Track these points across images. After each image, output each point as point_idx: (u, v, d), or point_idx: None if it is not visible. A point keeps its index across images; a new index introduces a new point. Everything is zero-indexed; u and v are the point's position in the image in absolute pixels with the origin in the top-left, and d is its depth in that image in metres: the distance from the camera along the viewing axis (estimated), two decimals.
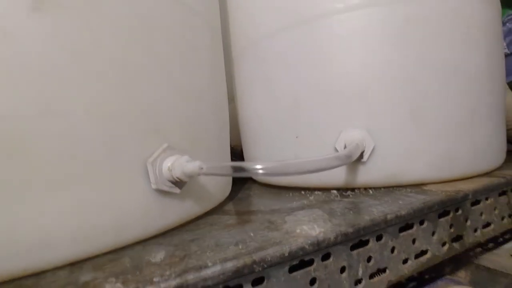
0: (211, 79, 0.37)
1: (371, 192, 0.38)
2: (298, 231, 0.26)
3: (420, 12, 0.37)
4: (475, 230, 0.36)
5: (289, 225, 0.28)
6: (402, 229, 0.30)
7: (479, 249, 0.52)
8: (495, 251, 0.51)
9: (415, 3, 0.37)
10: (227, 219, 0.32)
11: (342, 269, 0.26)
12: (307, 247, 0.24)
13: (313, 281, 0.25)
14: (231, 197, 0.43)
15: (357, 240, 0.27)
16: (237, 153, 0.60)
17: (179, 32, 0.31)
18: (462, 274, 0.50)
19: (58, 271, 0.22)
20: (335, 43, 0.39)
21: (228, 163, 0.26)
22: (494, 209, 0.38)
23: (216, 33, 0.41)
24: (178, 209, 0.30)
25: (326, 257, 0.25)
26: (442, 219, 0.33)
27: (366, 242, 0.28)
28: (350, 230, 0.26)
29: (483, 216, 0.37)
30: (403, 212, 0.30)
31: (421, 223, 0.31)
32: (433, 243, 0.32)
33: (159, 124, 0.28)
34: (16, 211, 0.21)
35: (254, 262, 0.22)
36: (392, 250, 0.29)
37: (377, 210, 0.30)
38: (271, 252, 0.23)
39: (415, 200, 0.32)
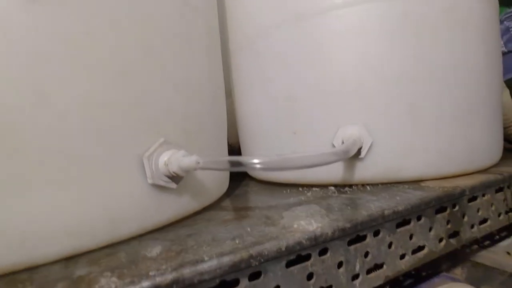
0: (208, 74, 0.37)
1: (368, 188, 0.38)
2: (295, 226, 0.26)
3: (418, 8, 0.37)
4: (472, 226, 0.36)
5: (286, 220, 0.28)
6: (399, 225, 0.30)
7: (475, 247, 0.52)
8: (491, 249, 0.51)
9: None
10: (224, 215, 0.32)
11: (340, 264, 0.26)
12: (304, 242, 0.24)
13: (310, 276, 0.25)
14: (228, 194, 0.43)
15: (354, 235, 0.27)
16: (235, 151, 0.60)
17: (174, 27, 0.31)
18: (458, 271, 0.51)
19: (52, 265, 0.22)
20: (333, 39, 0.39)
21: (225, 157, 0.26)
22: (491, 206, 0.39)
23: (213, 28, 0.40)
24: (175, 204, 0.30)
25: (323, 252, 0.25)
26: (439, 215, 0.33)
27: (363, 237, 0.28)
28: (348, 225, 0.26)
29: (480, 212, 0.37)
30: (400, 208, 0.30)
31: (419, 218, 0.31)
32: (430, 238, 0.32)
33: (155, 119, 0.28)
34: (9, 204, 0.21)
35: (251, 256, 0.22)
36: (390, 245, 0.29)
37: (374, 205, 0.30)
38: (268, 247, 0.23)
39: (413, 196, 0.32)
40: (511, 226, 0.47)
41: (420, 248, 0.32)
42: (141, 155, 0.27)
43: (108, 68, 0.25)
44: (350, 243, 0.27)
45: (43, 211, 0.22)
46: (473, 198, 0.37)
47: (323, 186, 0.41)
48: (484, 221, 0.38)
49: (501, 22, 0.68)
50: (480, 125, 0.41)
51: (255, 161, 0.25)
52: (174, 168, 0.27)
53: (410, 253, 0.31)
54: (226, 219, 0.30)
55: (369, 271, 0.28)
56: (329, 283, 0.25)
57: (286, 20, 0.41)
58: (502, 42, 0.67)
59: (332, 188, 0.40)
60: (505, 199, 0.40)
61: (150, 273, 0.19)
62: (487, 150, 0.43)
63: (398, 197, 0.32)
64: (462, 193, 0.35)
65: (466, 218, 0.36)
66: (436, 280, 0.42)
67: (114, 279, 0.19)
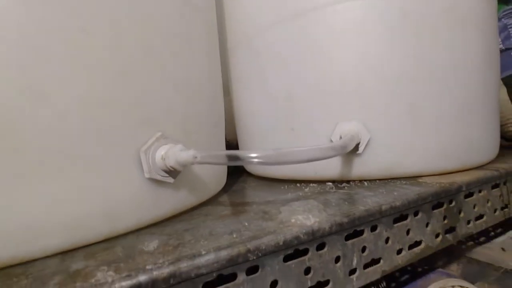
0: (207, 73, 0.36)
1: (366, 184, 0.38)
2: (293, 221, 0.26)
3: (418, 7, 0.37)
4: (468, 222, 0.37)
5: (284, 215, 0.28)
6: (396, 220, 0.30)
7: (471, 243, 0.53)
8: (487, 245, 0.52)
9: None
10: (222, 210, 0.32)
11: (337, 259, 0.26)
12: (302, 236, 0.24)
13: (307, 271, 0.25)
14: (225, 189, 0.43)
15: (351, 230, 0.27)
16: (232, 147, 0.60)
17: (174, 26, 0.31)
18: (454, 267, 0.51)
19: (48, 259, 0.22)
20: (332, 39, 0.38)
21: (223, 151, 0.25)
22: (487, 202, 0.39)
23: (212, 27, 0.40)
24: (172, 199, 0.30)
25: (320, 246, 0.25)
26: (436, 211, 0.33)
27: (360, 232, 0.28)
28: (345, 220, 0.26)
29: (476, 208, 0.37)
30: (397, 203, 0.30)
31: (416, 214, 0.32)
32: (427, 234, 0.32)
33: (152, 114, 0.28)
34: (5, 198, 0.20)
35: (249, 250, 0.22)
36: (387, 240, 0.29)
37: (372, 201, 0.30)
38: (266, 241, 0.23)
39: (410, 192, 0.32)
40: (506, 223, 0.48)
41: (417, 243, 0.32)
42: (138, 149, 0.26)
43: (108, 68, 0.25)
44: (348, 238, 0.27)
45: (40, 205, 0.22)
46: (469, 194, 0.37)
47: (321, 182, 0.41)
48: (480, 217, 0.38)
49: (499, 19, 0.68)
50: (477, 123, 0.41)
51: (253, 155, 0.25)
52: (171, 163, 0.26)
53: (407, 248, 0.31)
54: (223, 214, 0.30)
55: (366, 266, 0.28)
56: (326, 278, 0.25)
57: (285, 19, 0.41)
58: (500, 40, 0.67)
59: (330, 183, 0.40)
60: (501, 195, 0.41)
61: (147, 267, 0.19)
62: (484, 147, 0.43)
63: (396, 192, 0.32)
64: (459, 189, 0.35)
65: (462, 214, 0.36)
66: (432, 275, 0.42)
67: (110, 272, 0.19)
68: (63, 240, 0.23)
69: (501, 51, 0.67)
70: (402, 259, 0.30)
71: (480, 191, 0.38)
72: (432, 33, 0.37)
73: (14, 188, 0.21)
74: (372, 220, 0.28)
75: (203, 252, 0.21)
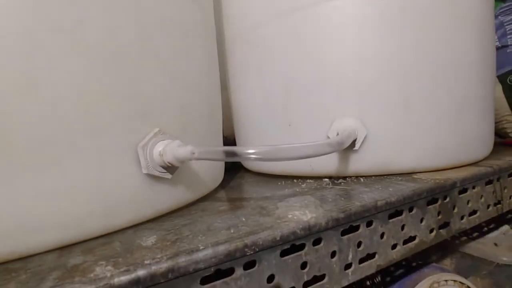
0: (203, 64, 0.36)
1: (362, 180, 0.38)
2: (289, 216, 0.26)
3: (415, 2, 0.37)
4: (462, 218, 0.37)
5: (281, 210, 0.28)
6: (391, 216, 0.31)
7: (464, 238, 0.54)
8: (480, 240, 0.53)
9: None
10: (219, 205, 0.32)
11: (333, 254, 0.27)
12: (298, 231, 0.24)
13: (304, 265, 0.25)
14: (223, 185, 0.43)
15: (347, 226, 0.27)
16: (230, 143, 0.60)
17: (171, 16, 0.30)
18: (447, 262, 0.52)
19: (46, 254, 0.22)
20: (329, 31, 0.38)
21: (220, 147, 0.26)
22: (481, 197, 0.39)
23: (209, 19, 0.40)
24: (170, 194, 0.30)
25: (317, 241, 0.26)
26: (430, 206, 0.34)
27: (356, 228, 0.28)
28: (341, 215, 0.27)
29: (470, 204, 0.38)
30: (393, 199, 0.30)
31: (410, 210, 0.32)
32: (421, 229, 0.33)
33: (149, 108, 0.28)
34: (2, 194, 0.20)
35: (246, 246, 0.22)
36: (382, 235, 0.30)
37: (367, 196, 0.30)
38: (263, 236, 0.23)
39: (405, 188, 0.32)
40: (499, 218, 0.49)
41: (412, 238, 0.32)
42: (135, 145, 0.26)
43: (103, 60, 0.24)
44: (343, 233, 0.27)
45: (37, 200, 0.22)
46: (463, 190, 0.37)
47: (318, 178, 0.41)
48: (473, 212, 0.39)
49: (496, 17, 0.68)
50: (473, 120, 0.41)
51: (250, 151, 0.25)
52: (169, 158, 0.27)
53: (401, 243, 0.31)
54: (221, 209, 0.30)
55: (361, 261, 0.28)
56: (322, 272, 0.26)
57: (283, 13, 0.41)
58: (496, 37, 0.68)
59: (327, 179, 0.40)
60: (494, 191, 0.41)
61: (146, 262, 0.19)
62: (479, 144, 0.43)
63: (391, 188, 0.33)
64: (453, 185, 0.35)
65: (456, 210, 0.36)
66: (426, 270, 0.42)
67: (109, 267, 0.19)
68: (61, 236, 0.23)
69: (497, 48, 0.67)
70: (396, 254, 0.31)
71: (474, 187, 0.38)
72: (429, 29, 0.37)
73: (9, 183, 0.21)
74: (368, 216, 0.28)
75: (201, 247, 0.21)
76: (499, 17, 0.68)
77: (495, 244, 0.51)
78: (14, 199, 0.21)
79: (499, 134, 0.71)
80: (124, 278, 0.18)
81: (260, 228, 0.24)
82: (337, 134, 0.37)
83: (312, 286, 0.25)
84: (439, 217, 0.35)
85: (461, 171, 0.39)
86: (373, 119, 0.38)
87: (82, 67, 0.23)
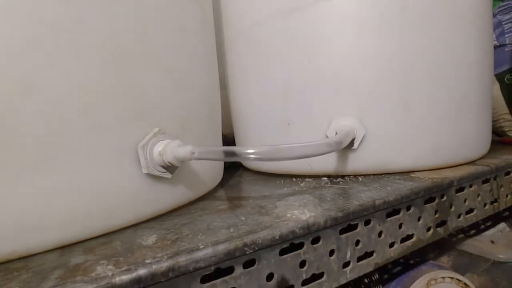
0: (203, 64, 0.36)
1: (360, 179, 0.38)
2: (288, 215, 0.26)
3: (415, 1, 0.37)
4: (459, 216, 0.38)
5: (280, 209, 0.28)
6: (389, 214, 0.31)
7: (461, 236, 0.54)
8: (477, 238, 0.53)
9: None
10: (219, 204, 0.32)
11: (331, 252, 0.27)
12: (297, 230, 0.25)
13: (303, 264, 0.25)
14: (222, 184, 0.43)
15: (346, 224, 0.28)
16: (229, 141, 0.60)
17: (169, 15, 0.30)
18: (445, 259, 0.52)
19: (47, 254, 0.22)
20: (328, 30, 0.39)
21: (220, 147, 0.26)
22: (477, 196, 0.40)
23: (208, 18, 0.40)
24: (170, 194, 0.30)
25: (315, 240, 0.26)
26: (428, 205, 0.34)
27: (354, 226, 0.28)
28: (340, 214, 0.27)
29: (467, 203, 0.38)
30: (391, 198, 0.30)
31: (408, 208, 0.32)
32: (418, 227, 0.33)
33: (149, 108, 0.28)
34: (3, 194, 0.21)
35: (245, 245, 0.22)
36: (380, 234, 0.30)
37: (366, 195, 0.30)
38: (262, 235, 0.23)
39: (403, 187, 0.33)
40: (496, 216, 0.49)
41: (409, 236, 0.33)
42: (135, 144, 0.27)
43: (103, 60, 0.24)
44: (342, 231, 0.27)
45: (38, 200, 0.22)
46: (460, 189, 0.38)
47: (316, 177, 0.42)
48: (470, 211, 0.39)
49: (494, 15, 0.68)
50: (471, 119, 0.42)
51: (250, 151, 0.25)
52: (168, 158, 0.27)
53: (399, 241, 0.32)
54: (220, 208, 0.31)
55: (359, 259, 0.29)
56: (321, 270, 0.26)
57: (282, 12, 0.41)
58: (494, 36, 0.68)
59: (325, 178, 0.40)
60: (491, 190, 0.42)
61: (146, 261, 0.20)
62: (476, 143, 0.44)
63: (389, 187, 0.33)
64: (451, 184, 0.36)
65: (453, 208, 0.37)
66: (423, 267, 0.43)
67: (110, 267, 0.19)
68: (62, 235, 0.23)
69: (495, 47, 0.68)
70: (394, 252, 0.31)
71: (471, 186, 0.39)
72: (429, 28, 0.38)
73: (10, 183, 0.21)
74: (366, 215, 0.29)
75: (201, 246, 0.21)
76: (497, 16, 0.68)
77: (492, 242, 0.52)
78: (14, 199, 0.21)
79: (497, 132, 0.71)
80: (125, 277, 0.18)
81: (259, 227, 0.24)
82: (336, 133, 0.37)
83: (311, 284, 0.26)
84: (436, 215, 0.35)
85: (458, 170, 0.39)
86: (372, 118, 0.38)
87: (81, 67, 0.23)
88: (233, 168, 0.56)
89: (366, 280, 0.40)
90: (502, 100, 0.69)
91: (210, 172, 0.37)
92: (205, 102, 0.37)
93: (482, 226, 0.55)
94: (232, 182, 0.45)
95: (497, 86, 0.69)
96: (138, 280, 0.19)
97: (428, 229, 0.34)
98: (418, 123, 0.38)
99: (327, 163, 0.40)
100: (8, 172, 0.21)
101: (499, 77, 0.69)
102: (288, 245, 0.24)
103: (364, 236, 0.29)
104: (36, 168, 0.22)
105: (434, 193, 0.34)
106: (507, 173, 0.44)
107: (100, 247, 0.23)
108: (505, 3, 0.68)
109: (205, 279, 0.21)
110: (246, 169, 0.54)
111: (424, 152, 0.39)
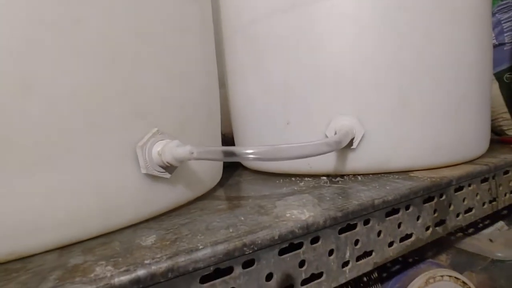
0: (201, 61, 0.36)
1: (359, 178, 0.39)
2: (288, 215, 0.26)
3: (414, 0, 0.37)
4: (457, 215, 0.38)
5: (279, 209, 0.28)
6: (388, 214, 0.31)
7: (460, 234, 0.54)
8: (475, 236, 0.54)
9: None
10: (218, 204, 0.32)
11: (330, 252, 0.27)
12: (296, 230, 0.25)
13: (302, 263, 0.25)
14: (221, 183, 0.43)
15: (345, 224, 0.28)
16: (228, 141, 0.60)
17: (167, 14, 0.30)
18: (443, 258, 0.53)
19: (46, 255, 0.22)
20: (327, 27, 0.38)
21: (219, 147, 0.26)
22: (476, 195, 0.40)
23: (207, 16, 0.40)
24: (169, 194, 0.30)
25: (315, 240, 0.26)
26: (426, 204, 0.34)
27: (354, 226, 0.28)
28: (339, 214, 0.27)
29: (466, 202, 0.39)
30: (390, 198, 0.30)
31: (407, 208, 0.32)
32: (417, 227, 0.33)
33: (147, 108, 0.28)
34: (1, 193, 0.20)
35: (245, 245, 0.22)
36: (379, 233, 0.30)
37: (365, 195, 0.30)
38: (261, 236, 0.23)
39: (402, 186, 0.33)
40: (494, 215, 0.49)
41: (408, 236, 0.33)
42: (133, 144, 0.26)
43: (100, 58, 0.24)
44: (341, 231, 0.28)
45: (36, 200, 0.22)
46: (459, 188, 0.38)
47: (316, 176, 0.42)
48: (469, 210, 0.39)
49: (493, 14, 0.68)
50: (469, 118, 0.42)
51: (249, 151, 0.25)
52: (167, 158, 0.27)
53: (398, 240, 0.32)
54: (219, 208, 0.31)
55: (358, 258, 0.29)
56: (320, 270, 0.26)
57: (281, 9, 0.40)
58: (493, 35, 0.68)
59: (324, 178, 0.40)
60: (489, 189, 0.42)
61: (145, 262, 0.20)
62: (475, 142, 0.44)
63: (388, 187, 0.33)
64: (449, 183, 0.36)
65: (452, 207, 0.37)
66: (422, 266, 0.43)
67: (109, 267, 0.19)
68: (61, 235, 0.23)
69: (494, 46, 0.68)
70: (393, 251, 0.31)
71: (469, 185, 0.39)
72: (427, 27, 0.37)
73: (8, 183, 0.21)
74: (365, 214, 0.29)
75: (201, 247, 0.21)
76: (497, 14, 0.68)
77: (490, 240, 0.52)
78: (13, 199, 0.21)
79: (495, 131, 0.72)
80: (124, 278, 0.18)
81: (258, 227, 0.24)
82: (335, 132, 0.37)
83: (310, 284, 0.26)
84: (435, 214, 0.35)
85: (457, 169, 0.39)
86: (371, 118, 0.38)
87: (79, 67, 0.23)
88: (232, 168, 0.56)
89: (365, 279, 0.40)
90: (501, 99, 0.69)
91: (209, 172, 0.37)
92: (205, 102, 0.37)
93: (481, 225, 0.56)
94: (231, 182, 0.44)
95: (496, 85, 0.69)
96: (137, 281, 0.19)
97: (427, 228, 0.34)
98: (417, 122, 0.38)
99: (326, 163, 0.40)
100: (7, 172, 0.21)
101: (498, 76, 0.69)
102: (287, 245, 0.25)
103: (363, 236, 0.29)
104: (35, 168, 0.22)
105: (433, 192, 0.34)
106: (506, 172, 0.44)
107: (99, 247, 0.23)
108: (504, 1, 0.68)
109: (204, 280, 0.21)
110: (245, 168, 0.54)
111: (423, 152, 0.39)
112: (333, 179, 0.39)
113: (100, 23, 0.24)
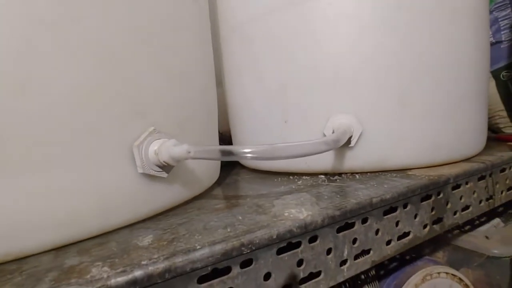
0: (198, 60, 0.36)
1: (357, 176, 0.39)
2: (286, 214, 0.26)
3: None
4: (455, 213, 0.38)
5: (277, 208, 0.28)
6: (386, 212, 0.31)
7: (456, 231, 0.55)
8: (471, 233, 0.54)
9: None
10: (216, 203, 0.32)
11: (329, 251, 0.27)
12: (294, 230, 0.24)
13: (300, 262, 0.25)
14: (219, 182, 0.43)
15: (343, 223, 0.28)
16: (226, 139, 0.60)
17: (165, 12, 0.30)
18: (440, 255, 0.53)
19: (42, 255, 0.22)
20: (325, 26, 0.38)
21: (216, 146, 0.25)
22: (473, 193, 0.40)
23: (204, 14, 0.39)
24: (166, 193, 0.30)
25: (313, 239, 0.26)
26: (424, 203, 0.34)
27: (352, 225, 0.28)
28: (337, 213, 0.27)
29: (463, 200, 0.39)
30: (387, 196, 0.30)
31: (405, 206, 0.32)
32: (415, 225, 0.33)
33: (144, 107, 0.27)
34: None
35: (243, 244, 0.22)
36: (377, 232, 0.30)
37: (363, 193, 0.30)
38: (259, 235, 0.23)
39: (400, 184, 0.33)
40: (490, 212, 0.50)
41: (406, 234, 0.33)
42: (130, 144, 0.26)
43: (96, 55, 0.24)
44: (339, 230, 0.27)
45: (32, 200, 0.22)
46: (457, 186, 0.38)
47: (313, 175, 0.42)
48: (466, 208, 0.39)
49: (491, 12, 0.68)
50: (467, 116, 0.42)
51: (246, 150, 0.25)
52: (164, 158, 0.26)
53: (396, 239, 0.32)
54: (217, 207, 0.31)
55: (356, 257, 0.29)
56: (318, 269, 0.26)
57: (279, 8, 0.40)
58: (490, 33, 0.68)
59: (322, 176, 0.40)
60: (486, 187, 0.42)
61: (142, 262, 0.19)
62: (472, 140, 0.44)
63: (386, 185, 0.33)
64: (447, 181, 0.36)
65: (449, 205, 0.37)
66: (419, 263, 0.43)
67: (105, 268, 0.19)
68: (57, 236, 0.23)
69: (491, 44, 0.68)
70: (391, 250, 0.31)
71: (467, 183, 0.39)
72: (425, 26, 0.37)
73: (3, 183, 0.20)
74: (363, 213, 0.29)
75: (198, 247, 0.21)
76: (494, 12, 0.68)
77: (486, 237, 0.52)
78: (8, 199, 0.21)
79: (492, 129, 0.72)
80: (121, 279, 0.18)
81: (256, 227, 0.24)
82: (333, 131, 0.37)
83: (308, 282, 0.26)
84: (433, 212, 0.35)
85: (454, 167, 0.39)
86: (369, 116, 0.38)
87: (75, 66, 0.23)
88: (230, 166, 0.56)
89: (362, 276, 0.40)
90: (498, 97, 0.70)
91: (207, 171, 0.37)
92: (202, 101, 0.36)
93: (477, 222, 0.56)
94: (229, 181, 0.44)
95: (492, 83, 0.69)
96: (134, 282, 0.18)
97: (425, 226, 0.35)
98: (416, 122, 0.38)
99: (324, 161, 0.40)
100: (3, 172, 0.20)
101: (495, 74, 0.69)
102: (285, 244, 0.24)
103: (361, 234, 0.29)
104: (30, 168, 0.21)
105: (430, 190, 0.34)
106: (502, 170, 0.45)
107: (95, 248, 0.23)
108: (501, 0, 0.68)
109: (202, 280, 0.21)
110: (243, 167, 0.54)
111: (421, 150, 0.39)
112: (331, 178, 0.39)
113: (99, 23, 0.24)
